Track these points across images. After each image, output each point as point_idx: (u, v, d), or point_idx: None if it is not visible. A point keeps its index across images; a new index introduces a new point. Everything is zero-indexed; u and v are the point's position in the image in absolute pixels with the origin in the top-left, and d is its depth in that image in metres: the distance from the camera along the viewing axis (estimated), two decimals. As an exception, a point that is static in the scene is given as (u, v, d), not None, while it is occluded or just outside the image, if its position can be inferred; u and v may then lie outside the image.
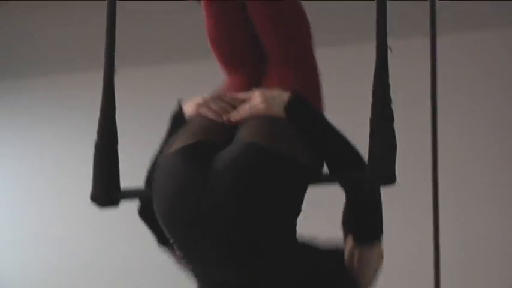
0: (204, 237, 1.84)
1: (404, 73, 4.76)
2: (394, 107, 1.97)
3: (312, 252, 1.91)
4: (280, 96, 1.94)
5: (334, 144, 1.95)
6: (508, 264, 5.51)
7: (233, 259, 1.83)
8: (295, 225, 1.89)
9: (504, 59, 5.67)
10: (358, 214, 1.94)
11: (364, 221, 1.94)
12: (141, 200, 2.13)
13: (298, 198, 1.89)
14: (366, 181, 1.88)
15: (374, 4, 2.06)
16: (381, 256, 1.97)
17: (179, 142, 1.94)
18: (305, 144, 1.91)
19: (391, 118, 1.87)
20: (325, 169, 2.04)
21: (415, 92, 4.95)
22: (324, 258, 1.93)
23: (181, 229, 1.89)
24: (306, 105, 1.97)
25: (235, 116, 1.98)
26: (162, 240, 2.08)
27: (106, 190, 2.06)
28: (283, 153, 1.85)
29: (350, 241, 1.96)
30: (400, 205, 5.18)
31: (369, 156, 1.86)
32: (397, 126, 1.96)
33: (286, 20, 2.11)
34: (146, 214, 2.09)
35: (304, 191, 1.90)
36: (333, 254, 1.95)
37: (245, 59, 2.23)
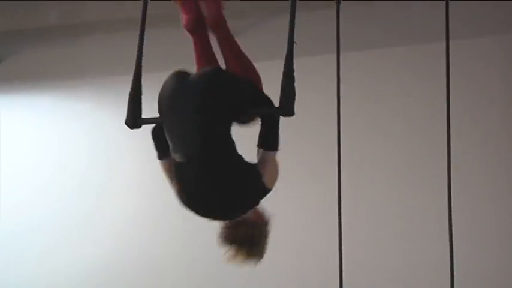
0: (185, 119, 3.15)
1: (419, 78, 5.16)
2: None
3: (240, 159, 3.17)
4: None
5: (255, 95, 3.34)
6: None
7: (199, 134, 3.11)
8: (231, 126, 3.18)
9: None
10: (267, 134, 3.22)
11: (269, 138, 3.23)
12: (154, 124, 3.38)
13: (237, 105, 3.20)
14: (277, 113, 3.19)
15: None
16: (276, 162, 3.22)
17: None
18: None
19: (292, 79, 3.14)
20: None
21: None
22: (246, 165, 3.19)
23: (172, 115, 3.20)
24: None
25: None
26: (161, 155, 3.33)
27: (133, 118, 3.36)
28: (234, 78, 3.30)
29: (261, 151, 3.22)
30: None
31: (280, 101, 3.15)
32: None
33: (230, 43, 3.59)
34: (156, 133, 3.34)
35: (242, 105, 3.21)
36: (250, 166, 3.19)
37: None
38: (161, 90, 3.32)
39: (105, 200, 7.13)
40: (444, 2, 4.40)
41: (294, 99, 3.13)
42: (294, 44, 3.17)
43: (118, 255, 6.97)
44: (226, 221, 3.25)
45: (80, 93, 7.35)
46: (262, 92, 3.40)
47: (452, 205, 4.37)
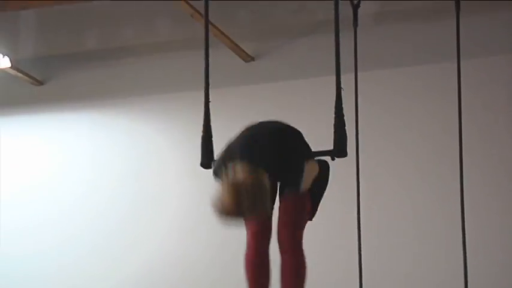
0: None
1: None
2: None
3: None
4: None
5: None
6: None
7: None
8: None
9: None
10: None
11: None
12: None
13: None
14: (332, 155, 3.52)
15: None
16: (315, 167, 3.51)
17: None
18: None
19: (343, 123, 3.52)
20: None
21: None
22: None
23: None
24: None
25: None
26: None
27: (207, 159, 3.71)
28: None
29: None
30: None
31: (334, 144, 3.49)
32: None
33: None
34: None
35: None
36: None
37: None
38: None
39: (140, 215, 7.33)
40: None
41: (346, 141, 3.51)
42: (342, 90, 3.56)
43: (152, 269, 7.13)
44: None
45: (116, 112, 7.59)
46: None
47: (465, 213, 4.43)
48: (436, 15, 6.30)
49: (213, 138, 3.82)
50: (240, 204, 3.21)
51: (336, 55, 3.61)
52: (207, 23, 4.15)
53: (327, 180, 3.59)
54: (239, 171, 3.29)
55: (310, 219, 3.59)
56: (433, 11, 6.37)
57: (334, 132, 3.47)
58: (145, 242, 7.21)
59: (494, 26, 6.29)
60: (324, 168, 3.59)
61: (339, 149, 3.46)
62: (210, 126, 3.79)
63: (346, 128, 3.51)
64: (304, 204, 3.50)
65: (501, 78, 6.30)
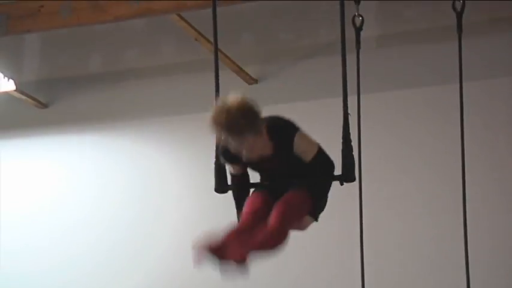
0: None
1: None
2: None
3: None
4: None
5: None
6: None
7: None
8: None
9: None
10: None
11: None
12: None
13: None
14: (340, 180, 3.55)
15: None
16: (305, 137, 3.48)
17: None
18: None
19: (351, 148, 3.55)
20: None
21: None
22: None
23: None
24: None
25: None
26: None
27: (221, 185, 3.71)
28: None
29: None
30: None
31: (342, 168, 3.53)
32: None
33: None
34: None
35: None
36: None
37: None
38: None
39: (141, 234, 7.37)
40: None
41: (354, 166, 3.55)
42: (349, 115, 3.59)
43: (152, 286, 7.19)
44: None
45: (119, 134, 7.64)
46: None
47: (467, 233, 4.44)
48: (438, 38, 6.35)
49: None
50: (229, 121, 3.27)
51: (343, 79, 3.65)
52: (216, 48, 4.14)
53: (331, 178, 3.58)
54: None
55: (316, 219, 3.61)
56: (435, 33, 6.42)
57: (343, 157, 3.52)
58: (146, 261, 7.25)
59: (495, 48, 6.34)
60: (328, 165, 3.57)
61: (348, 174, 3.51)
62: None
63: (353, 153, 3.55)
64: (302, 199, 3.52)
65: (502, 99, 6.34)
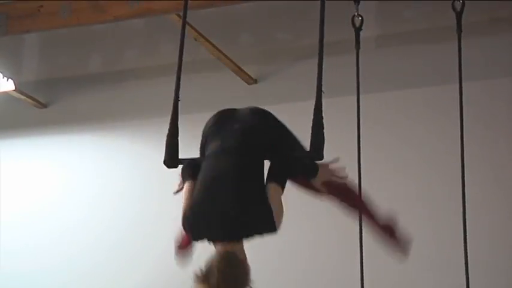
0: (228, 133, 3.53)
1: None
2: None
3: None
4: None
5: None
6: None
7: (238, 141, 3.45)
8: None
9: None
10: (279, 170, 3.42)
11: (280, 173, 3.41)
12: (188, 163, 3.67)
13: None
14: (308, 157, 3.40)
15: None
16: (280, 197, 3.34)
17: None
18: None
19: (322, 126, 3.37)
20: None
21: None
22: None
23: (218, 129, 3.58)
24: None
25: None
26: (188, 177, 3.58)
27: (171, 158, 3.65)
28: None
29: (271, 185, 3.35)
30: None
31: (310, 146, 3.34)
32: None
33: None
34: (187, 164, 3.64)
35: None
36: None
37: None
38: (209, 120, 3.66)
39: (141, 234, 7.37)
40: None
41: (323, 144, 3.35)
42: (322, 93, 3.45)
43: (151, 286, 7.17)
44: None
45: (118, 134, 7.66)
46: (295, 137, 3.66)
47: (467, 234, 4.44)
48: (438, 38, 6.35)
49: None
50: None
51: (319, 49, 3.53)
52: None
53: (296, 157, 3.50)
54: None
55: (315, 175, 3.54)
56: (435, 33, 6.42)
57: (313, 135, 3.36)
58: (146, 261, 7.25)
59: (495, 48, 6.35)
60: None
61: (316, 152, 3.34)
62: (177, 126, 3.76)
63: (324, 130, 3.41)
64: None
65: (502, 99, 6.35)
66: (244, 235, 3.28)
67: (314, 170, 3.55)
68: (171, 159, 3.66)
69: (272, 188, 3.33)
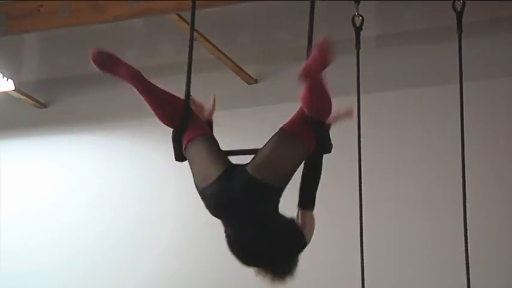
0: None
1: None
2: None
3: (282, 218, 3.48)
4: None
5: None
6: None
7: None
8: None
9: None
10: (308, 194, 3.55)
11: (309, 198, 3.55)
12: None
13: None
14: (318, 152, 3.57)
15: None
16: (313, 218, 3.58)
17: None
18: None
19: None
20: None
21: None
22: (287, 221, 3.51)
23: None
24: None
25: None
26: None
27: (179, 154, 3.87)
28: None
29: (299, 210, 3.53)
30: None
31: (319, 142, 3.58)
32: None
33: None
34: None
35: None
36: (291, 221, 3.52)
37: None
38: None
39: (141, 233, 7.37)
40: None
41: (329, 137, 3.57)
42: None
43: (151, 286, 7.17)
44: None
45: (118, 134, 7.68)
46: None
47: (468, 235, 4.42)
48: (438, 38, 6.35)
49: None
50: None
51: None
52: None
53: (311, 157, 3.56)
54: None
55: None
56: (435, 33, 6.42)
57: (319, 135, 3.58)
58: (146, 261, 7.25)
59: (495, 48, 6.34)
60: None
61: (325, 146, 3.53)
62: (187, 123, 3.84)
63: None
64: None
65: (502, 99, 6.34)
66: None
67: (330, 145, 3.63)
68: (179, 156, 3.94)
69: (308, 215, 3.57)
